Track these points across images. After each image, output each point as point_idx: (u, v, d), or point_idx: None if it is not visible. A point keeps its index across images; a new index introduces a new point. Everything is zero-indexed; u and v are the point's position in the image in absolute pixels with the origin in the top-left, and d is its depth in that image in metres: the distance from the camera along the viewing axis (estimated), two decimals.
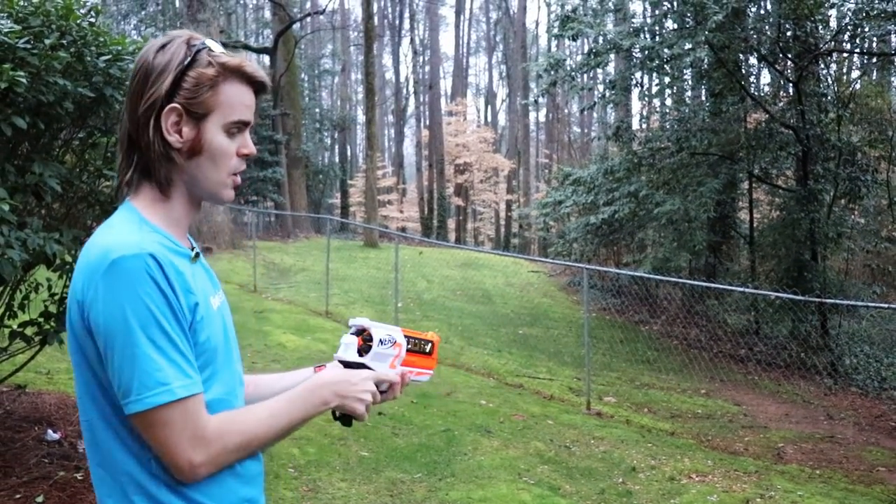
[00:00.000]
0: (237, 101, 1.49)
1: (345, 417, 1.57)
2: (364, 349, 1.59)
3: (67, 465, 4.46)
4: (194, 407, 1.35)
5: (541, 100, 28.64)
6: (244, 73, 1.50)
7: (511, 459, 6.43)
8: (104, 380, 1.37)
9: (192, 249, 1.52)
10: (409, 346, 1.69)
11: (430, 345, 1.75)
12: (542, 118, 52.59)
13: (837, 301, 11.64)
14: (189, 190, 1.51)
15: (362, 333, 1.61)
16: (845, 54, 16.83)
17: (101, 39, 4.05)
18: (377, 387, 1.60)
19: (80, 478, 4.34)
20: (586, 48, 19.83)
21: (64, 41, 3.81)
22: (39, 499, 4.03)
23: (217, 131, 1.48)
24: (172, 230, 1.48)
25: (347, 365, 1.58)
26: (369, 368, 1.59)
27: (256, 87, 1.54)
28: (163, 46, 1.46)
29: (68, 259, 4.25)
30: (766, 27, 14.99)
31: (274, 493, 5.02)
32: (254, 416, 1.45)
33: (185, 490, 1.39)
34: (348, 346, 1.59)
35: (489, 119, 55.95)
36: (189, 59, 1.45)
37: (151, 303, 1.32)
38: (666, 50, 14.41)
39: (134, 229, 1.40)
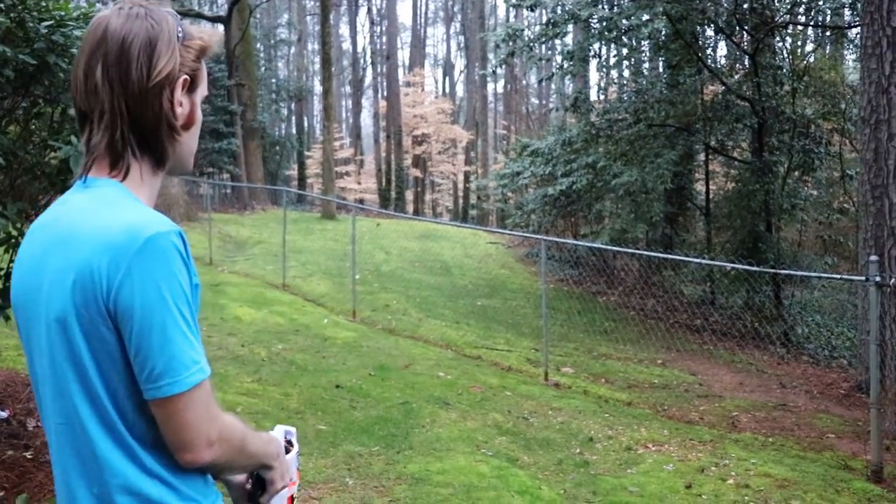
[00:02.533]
0: (205, 75, 1.48)
1: (260, 482, 1.58)
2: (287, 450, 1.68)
3: (16, 444, 4.35)
4: (210, 385, 1.32)
5: (499, 71, 28.53)
6: (210, 50, 1.46)
7: (469, 431, 6.43)
8: (110, 370, 1.28)
9: None
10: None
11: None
12: (500, 89, 52.43)
13: (791, 272, 11.84)
14: (173, 162, 1.45)
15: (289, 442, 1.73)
16: (800, 27, 16.98)
17: (43, 4, 3.90)
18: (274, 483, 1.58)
19: (29, 457, 4.24)
20: (545, 18, 19.73)
21: (2, 5, 3.66)
22: None
23: (198, 104, 1.46)
24: (151, 206, 1.41)
25: None
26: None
27: None
28: (149, 17, 1.36)
29: (14, 233, 4.12)
30: None
31: None
32: (241, 425, 1.42)
33: (175, 483, 1.34)
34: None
35: (447, 90, 55.76)
36: (181, 31, 1.40)
37: (183, 281, 1.28)
38: (624, 21, 14.40)
39: (144, 206, 1.34)
